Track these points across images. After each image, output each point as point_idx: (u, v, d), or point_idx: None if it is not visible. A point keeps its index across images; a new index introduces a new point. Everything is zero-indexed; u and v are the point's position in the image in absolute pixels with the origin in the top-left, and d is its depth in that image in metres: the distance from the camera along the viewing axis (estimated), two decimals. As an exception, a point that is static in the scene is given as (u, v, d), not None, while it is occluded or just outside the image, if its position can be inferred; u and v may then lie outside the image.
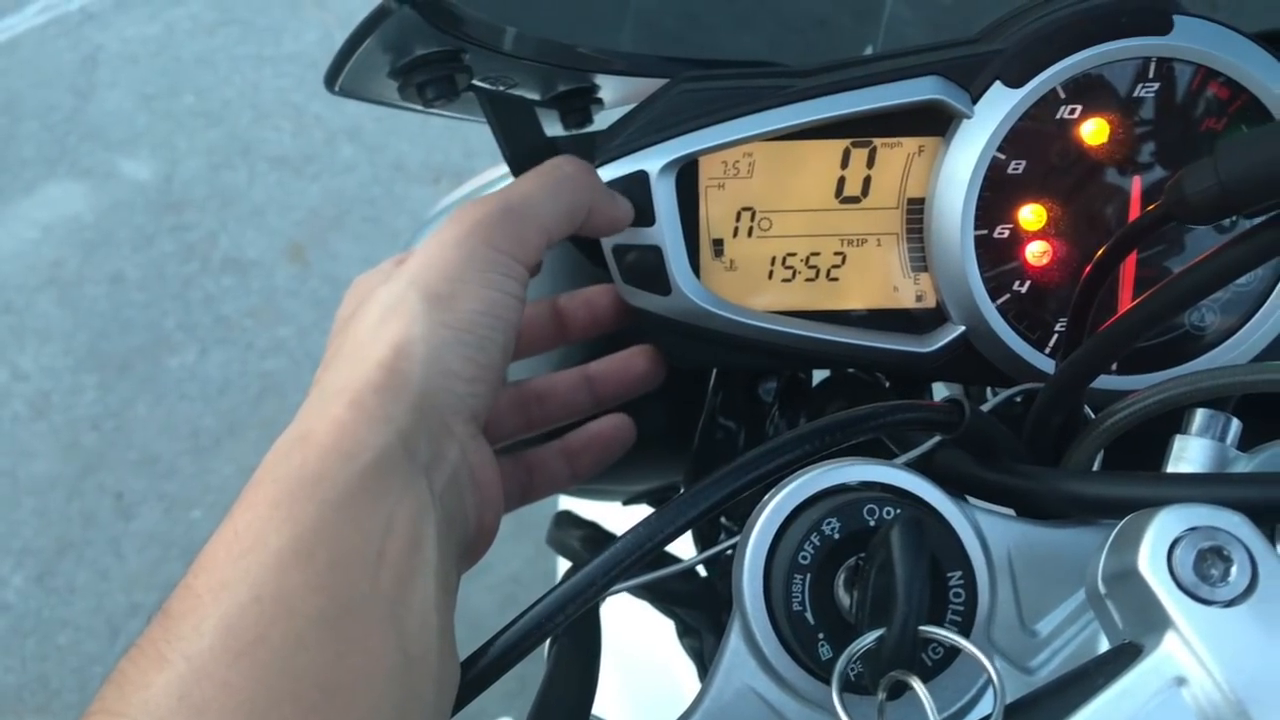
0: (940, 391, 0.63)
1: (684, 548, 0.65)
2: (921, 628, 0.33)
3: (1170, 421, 0.41)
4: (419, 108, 0.51)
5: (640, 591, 0.58)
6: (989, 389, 0.56)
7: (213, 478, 2.11)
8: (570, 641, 0.43)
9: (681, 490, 0.72)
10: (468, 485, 0.41)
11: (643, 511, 0.74)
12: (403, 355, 0.39)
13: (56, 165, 2.65)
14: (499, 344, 0.42)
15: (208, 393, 2.23)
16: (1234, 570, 0.30)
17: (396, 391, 0.38)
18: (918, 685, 0.32)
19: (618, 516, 0.67)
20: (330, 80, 0.49)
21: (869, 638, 0.33)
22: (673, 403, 0.63)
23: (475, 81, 0.51)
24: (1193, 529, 0.31)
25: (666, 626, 0.69)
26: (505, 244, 0.43)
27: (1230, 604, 0.30)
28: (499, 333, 0.42)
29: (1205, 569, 0.30)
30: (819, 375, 0.62)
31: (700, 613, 0.62)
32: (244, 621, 0.32)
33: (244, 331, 2.33)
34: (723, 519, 0.65)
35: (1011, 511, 0.42)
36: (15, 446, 2.17)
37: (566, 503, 0.80)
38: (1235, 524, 0.31)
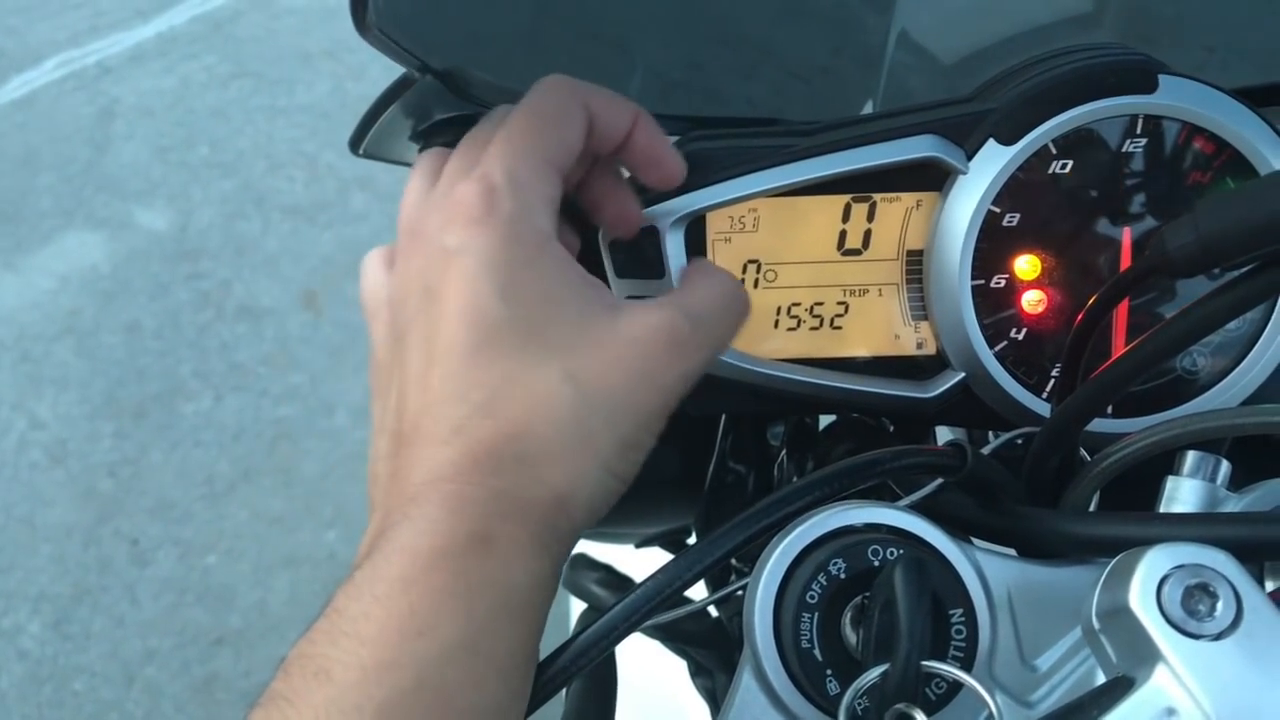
0: (944, 435, 0.65)
1: (695, 589, 0.66)
2: (924, 663, 0.34)
3: (1164, 463, 0.43)
4: (439, 168, 0.54)
5: (654, 632, 0.60)
6: (989, 432, 0.58)
7: (227, 523, 2.13)
8: (587, 682, 0.44)
9: (693, 533, 0.74)
10: None
11: (655, 554, 0.76)
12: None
13: (74, 216, 2.70)
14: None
15: (222, 439, 2.25)
16: (1220, 605, 0.32)
17: (556, 524, 0.39)
18: (921, 719, 0.33)
19: (631, 559, 0.69)
20: (355, 144, 0.52)
21: (874, 673, 0.35)
22: (684, 448, 0.65)
23: (493, 142, 0.53)
24: (1180, 566, 0.32)
25: (679, 667, 0.70)
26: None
27: (1217, 638, 0.31)
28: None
29: (1193, 605, 0.32)
30: (825, 419, 0.64)
31: (712, 652, 0.63)
32: (403, 712, 0.33)
33: (258, 378, 2.36)
34: (733, 561, 0.66)
35: (1012, 551, 0.43)
36: (33, 494, 2.19)
37: (580, 546, 0.81)
38: (1220, 561, 0.32)
